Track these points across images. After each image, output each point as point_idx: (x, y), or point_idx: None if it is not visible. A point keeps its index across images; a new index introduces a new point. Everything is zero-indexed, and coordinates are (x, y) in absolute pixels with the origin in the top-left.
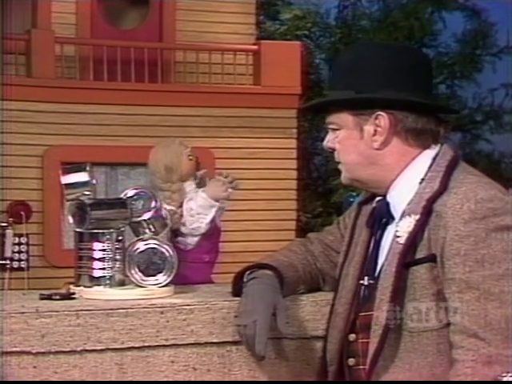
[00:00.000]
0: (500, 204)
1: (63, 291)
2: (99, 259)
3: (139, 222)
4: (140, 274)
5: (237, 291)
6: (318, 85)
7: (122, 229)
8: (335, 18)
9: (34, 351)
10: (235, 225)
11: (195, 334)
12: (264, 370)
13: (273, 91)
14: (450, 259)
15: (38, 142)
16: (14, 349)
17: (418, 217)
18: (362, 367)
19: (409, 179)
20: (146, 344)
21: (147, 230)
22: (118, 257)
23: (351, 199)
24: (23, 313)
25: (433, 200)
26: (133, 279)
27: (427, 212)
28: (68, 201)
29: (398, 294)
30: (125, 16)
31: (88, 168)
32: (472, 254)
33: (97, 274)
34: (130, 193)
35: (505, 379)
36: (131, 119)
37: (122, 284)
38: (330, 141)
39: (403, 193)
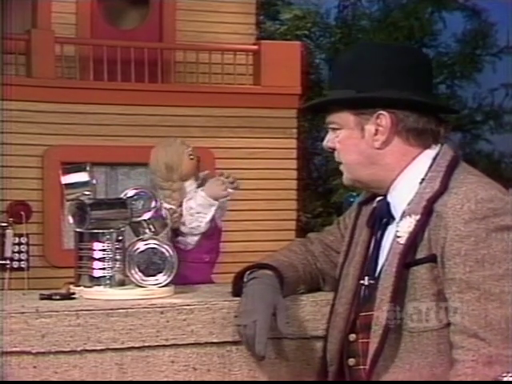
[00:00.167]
0: (500, 204)
1: (63, 291)
2: (99, 259)
3: (139, 222)
4: (140, 273)
5: (237, 291)
6: (318, 85)
7: (122, 229)
8: (335, 18)
9: (34, 351)
10: (235, 225)
11: (195, 334)
12: (264, 369)
13: (273, 91)
14: (451, 259)
15: (38, 141)
16: (14, 349)
17: (418, 217)
18: (362, 367)
19: (409, 179)
20: (146, 344)
21: (147, 230)
22: (118, 257)
23: (351, 199)
24: (23, 313)
25: (433, 200)
26: (133, 279)
27: (427, 212)
28: (68, 201)
29: (399, 294)
30: (125, 16)
31: (88, 168)
32: (472, 254)
33: (97, 273)
34: (130, 193)
35: (505, 379)
36: (131, 119)
37: (122, 284)
38: (330, 140)
39: (404, 193)
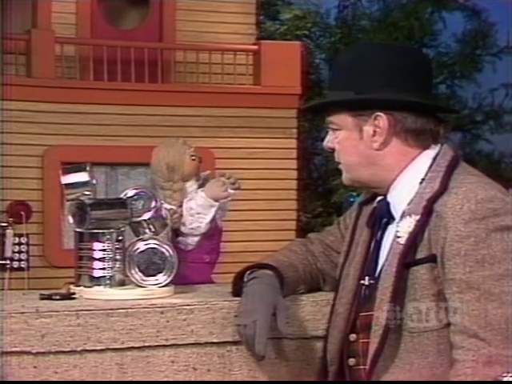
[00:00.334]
0: (500, 204)
1: (63, 291)
2: (99, 259)
3: (139, 222)
4: (140, 273)
5: (237, 291)
6: (318, 85)
7: (122, 229)
8: (335, 18)
9: (34, 351)
10: (235, 225)
11: (195, 334)
12: (264, 369)
13: (273, 91)
14: (451, 259)
15: (38, 141)
16: (14, 349)
17: (418, 217)
18: (362, 367)
19: (409, 179)
20: (146, 344)
21: (147, 230)
22: (118, 257)
23: (351, 199)
24: (23, 313)
25: (433, 200)
26: (133, 279)
27: (427, 212)
28: (68, 201)
29: (399, 294)
30: (125, 16)
31: (88, 168)
32: (472, 254)
33: (97, 273)
34: (130, 193)
35: (505, 379)
36: (131, 119)
37: (122, 284)
38: (329, 141)
39: (403, 193)
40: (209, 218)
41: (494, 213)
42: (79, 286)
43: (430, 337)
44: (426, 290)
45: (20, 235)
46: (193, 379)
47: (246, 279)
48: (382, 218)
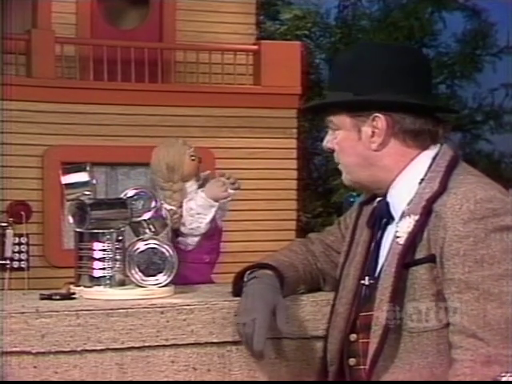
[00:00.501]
0: (499, 204)
1: (63, 291)
2: (99, 259)
3: (139, 222)
4: (140, 273)
5: (237, 291)
6: (318, 85)
7: (122, 229)
8: (335, 18)
9: (34, 351)
10: (235, 225)
11: (195, 334)
12: (264, 369)
13: (273, 91)
14: (450, 259)
15: (38, 141)
16: (14, 349)
17: (417, 217)
18: (362, 367)
19: (408, 179)
20: (146, 344)
21: (147, 230)
22: (118, 257)
23: (351, 199)
24: (23, 313)
25: (432, 200)
26: (133, 279)
27: (427, 212)
28: (68, 201)
29: (398, 295)
30: (125, 16)
31: (88, 168)
32: (471, 254)
33: (97, 273)
34: (130, 193)
35: (504, 379)
36: (131, 119)
37: (122, 284)
38: (329, 141)
39: (403, 193)
40: (209, 218)
41: (493, 213)
42: (79, 285)
43: (430, 337)
44: (425, 290)
45: (20, 235)
46: (193, 379)
47: (246, 279)
48: (381, 218)
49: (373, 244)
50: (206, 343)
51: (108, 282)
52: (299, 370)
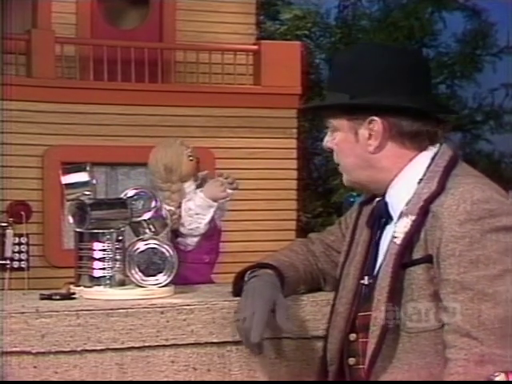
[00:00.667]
0: (496, 205)
1: (63, 291)
2: (99, 259)
3: (139, 222)
4: (140, 273)
5: (237, 291)
6: (318, 85)
7: (122, 229)
8: (335, 18)
9: (34, 351)
10: (235, 225)
11: (195, 334)
12: (264, 369)
13: (273, 91)
14: (446, 260)
15: (38, 141)
16: (14, 349)
17: (414, 217)
18: (362, 367)
19: (407, 179)
20: (146, 344)
21: (147, 230)
22: (118, 257)
23: (351, 199)
24: (23, 313)
25: (430, 200)
26: (133, 279)
27: (424, 212)
28: (68, 201)
29: (395, 295)
30: (125, 16)
31: (88, 168)
32: (467, 254)
33: (97, 273)
34: (130, 193)
35: (497, 379)
36: (131, 119)
37: (122, 284)
38: (328, 141)
39: (401, 193)
40: (208, 218)
41: (490, 214)
42: (79, 285)
43: (428, 337)
44: (422, 290)
45: (20, 235)
46: (193, 379)
47: (246, 279)
48: (380, 217)
49: (372, 244)
50: (206, 343)
51: (108, 282)
52: (299, 370)
